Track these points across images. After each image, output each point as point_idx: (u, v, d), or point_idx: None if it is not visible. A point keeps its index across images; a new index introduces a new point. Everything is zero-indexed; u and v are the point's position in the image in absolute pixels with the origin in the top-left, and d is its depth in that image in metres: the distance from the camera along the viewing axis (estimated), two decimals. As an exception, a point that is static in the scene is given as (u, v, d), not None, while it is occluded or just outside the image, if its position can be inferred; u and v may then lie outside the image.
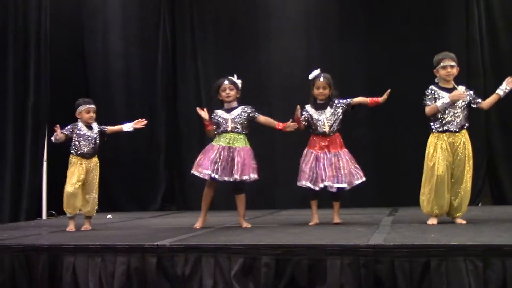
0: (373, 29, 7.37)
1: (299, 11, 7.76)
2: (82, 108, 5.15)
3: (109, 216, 6.77)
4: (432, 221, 4.51)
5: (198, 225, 4.89)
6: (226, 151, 4.76)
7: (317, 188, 4.77)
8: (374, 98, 4.86)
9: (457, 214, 4.57)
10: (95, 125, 5.22)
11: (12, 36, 6.77)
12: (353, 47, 7.45)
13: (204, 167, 4.74)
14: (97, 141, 5.20)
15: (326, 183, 4.72)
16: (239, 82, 4.94)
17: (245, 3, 7.94)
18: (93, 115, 5.19)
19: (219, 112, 4.92)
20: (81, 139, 5.11)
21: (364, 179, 4.83)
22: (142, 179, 8.03)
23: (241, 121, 4.85)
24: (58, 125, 5.02)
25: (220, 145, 4.79)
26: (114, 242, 3.97)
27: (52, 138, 5.12)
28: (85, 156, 5.12)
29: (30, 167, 6.84)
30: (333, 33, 7.57)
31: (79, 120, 5.17)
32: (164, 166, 8.12)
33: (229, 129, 4.82)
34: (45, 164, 7.07)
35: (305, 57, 7.57)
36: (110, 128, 5.31)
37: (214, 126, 4.89)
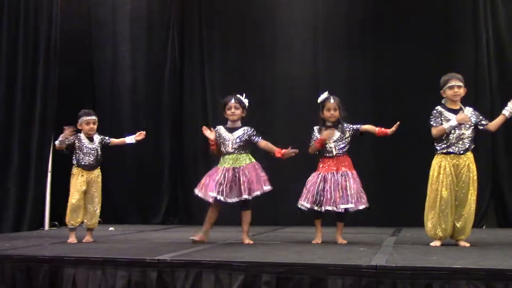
0: (380, 48, 7.38)
1: (306, 28, 7.79)
2: (82, 119, 5.18)
3: (111, 228, 6.76)
4: (435, 243, 4.48)
5: (196, 237, 4.85)
6: (231, 172, 4.78)
7: (322, 210, 4.76)
8: (382, 129, 4.84)
9: (461, 237, 4.54)
10: (96, 137, 5.23)
11: (22, 46, 6.82)
12: (360, 65, 7.46)
13: (210, 189, 4.75)
14: (99, 153, 5.21)
15: (329, 207, 4.71)
16: (246, 101, 4.96)
17: (253, 20, 7.97)
18: (93, 126, 5.19)
19: (222, 129, 4.94)
20: (82, 151, 5.12)
21: (367, 205, 4.81)
22: (145, 192, 8.02)
23: (242, 142, 4.87)
24: (68, 127, 5.01)
25: (224, 167, 4.81)
26: (115, 255, 3.95)
27: (57, 142, 5.09)
28: (86, 167, 5.13)
29: (35, 177, 6.85)
30: (340, 51, 7.58)
31: (81, 131, 5.19)
32: (168, 179, 8.12)
33: (230, 150, 4.85)
34: (49, 174, 7.08)
35: (312, 74, 7.59)
36: (114, 141, 5.35)
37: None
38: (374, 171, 7.11)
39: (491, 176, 6.94)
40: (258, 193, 4.76)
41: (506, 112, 4.51)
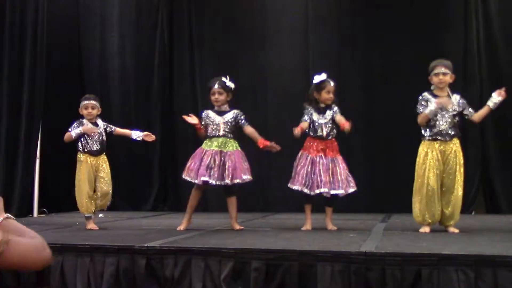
0: (371, 36, 7.34)
1: (297, 15, 7.73)
2: (81, 104, 5.14)
3: (100, 215, 6.71)
4: (425, 229, 4.49)
5: (182, 227, 4.84)
6: (218, 156, 4.73)
7: (312, 194, 4.74)
8: (345, 123, 4.70)
9: (450, 223, 4.55)
10: (100, 122, 5.18)
11: (8, 32, 6.71)
12: (351, 53, 7.43)
13: (200, 173, 4.69)
14: (104, 138, 5.16)
15: (322, 190, 4.68)
16: (231, 85, 4.89)
17: (244, 6, 7.91)
18: (91, 111, 5.12)
19: (210, 113, 4.90)
20: (87, 136, 5.05)
21: (356, 188, 4.81)
22: (135, 178, 7.98)
23: (232, 126, 4.84)
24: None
25: (212, 150, 4.76)
26: (103, 242, 3.93)
27: (73, 133, 4.99)
28: (93, 153, 5.08)
29: (23, 164, 6.77)
30: (331, 39, 7.54)
31: (83, 117, 5.13)
32: (158, 166, 8.08)
33: (220, 133, 4.80)
34: (37, 161, 7.01)
35: (302, 61, 7.55)
36: (118, 131, 5.28)
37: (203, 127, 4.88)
38: (363, 157, 7.12)
39: (480, 163, 6.96)
40: (239, 180, 4.73)
41: (490, 103, 4.51)
